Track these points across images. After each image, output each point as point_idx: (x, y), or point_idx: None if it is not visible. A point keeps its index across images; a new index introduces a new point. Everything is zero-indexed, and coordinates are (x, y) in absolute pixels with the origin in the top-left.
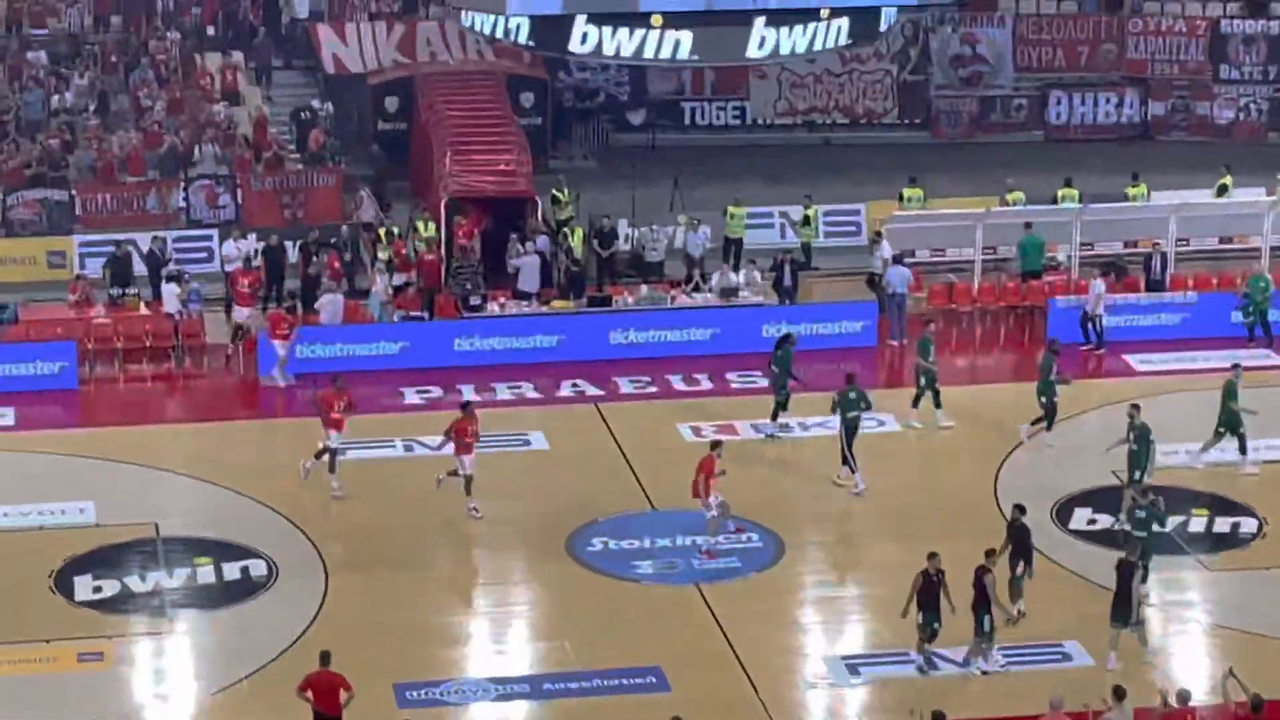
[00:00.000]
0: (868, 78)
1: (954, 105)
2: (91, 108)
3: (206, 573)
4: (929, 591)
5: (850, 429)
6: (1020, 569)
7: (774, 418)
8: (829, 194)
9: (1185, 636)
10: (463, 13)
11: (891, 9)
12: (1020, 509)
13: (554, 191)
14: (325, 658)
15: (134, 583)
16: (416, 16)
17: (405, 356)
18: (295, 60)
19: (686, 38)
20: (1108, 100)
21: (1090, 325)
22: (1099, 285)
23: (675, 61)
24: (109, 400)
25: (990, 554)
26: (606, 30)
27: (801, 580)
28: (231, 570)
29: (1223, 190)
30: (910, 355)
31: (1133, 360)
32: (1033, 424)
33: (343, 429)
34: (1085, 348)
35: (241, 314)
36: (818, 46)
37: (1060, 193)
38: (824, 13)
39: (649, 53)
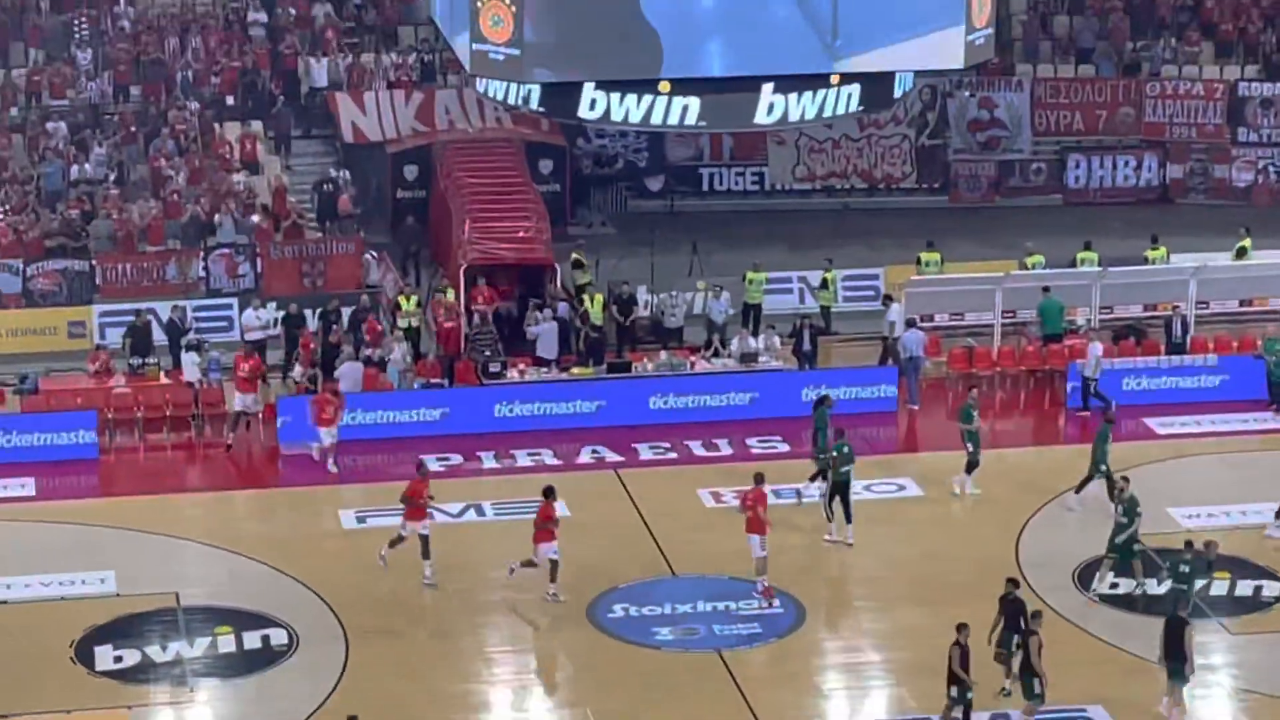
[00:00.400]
0: (886, 143)
1: (972, 169)
2: (111, 178)
3: (227, 642)
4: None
5: (844, 484)
6: (1013, 643)
7: (815, 478)
8: (848, 259)
9: (1209, 700)
10: (478, 79)
11: (907, 75)
12: (1013, 583)
13: (575, 256)
14: None
15: (155, 652)
16: (435, 85)
17: (445, 423)
18: (314, 129)
19: (694, 104)
20: (1126, 163)
21: (1089, 388)
22: (1097, 348)
23: (683, 127)
24: (129, 469)
25: (1036, 616)
26: (615, 96)
27: (823, 645)
28: (252, 639)
29: (1242, 253)
30: (931, 418)
31: (1153, 424)
32: (1078, 490)
33: (425, 518)
34: (1084, 413)
35: (243, 401)
36: (828, 113)
37: (1079, 256)
38: (834, 79)
39: (657, 119)
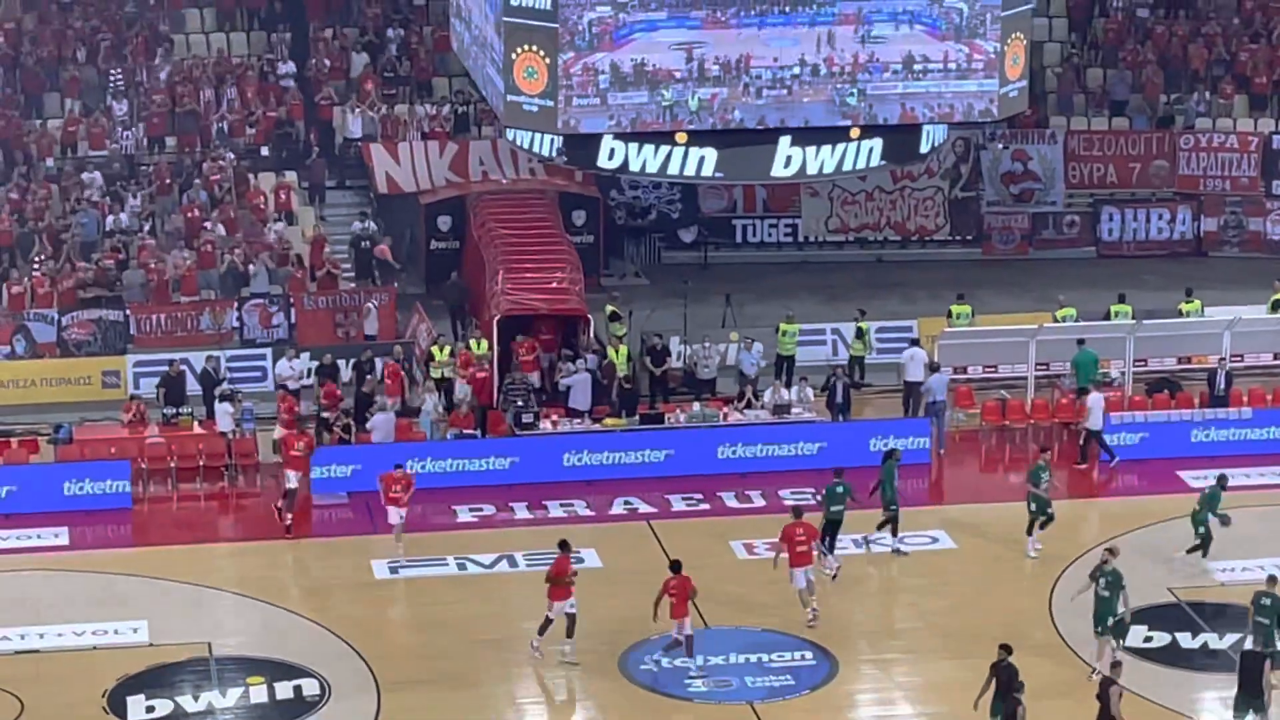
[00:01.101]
0: (919, 195)
1: (1006, 221)
2: (146, 228)
3: (259, 692)
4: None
5: (834, 524)
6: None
7: (883, 527)
8: (881, 310)
9: None
10: (603, 150)
11: (938, 128)
12: (1006, 649)
13: (611, 308)
14: None
15: (187, 702)
16: (468, 136)
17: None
18: (349, 180)
19: (711, 155)
20: (1160, 216)
21: (1093, 441)
22: (1098, 399)
23: (700, 179)
24: (162, 519)
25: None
26: (633, 147)
27: (856, 698)
28: (284, 689)
29: (1276, 305)
30: (964, 469)
31: (1186, 476)
32: (1189, 551)
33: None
34: (1081, 465)
35: (292, 479)
36: (847, 167)
37: (1113, 308)
38: (854, 133)
39: (674, 169)
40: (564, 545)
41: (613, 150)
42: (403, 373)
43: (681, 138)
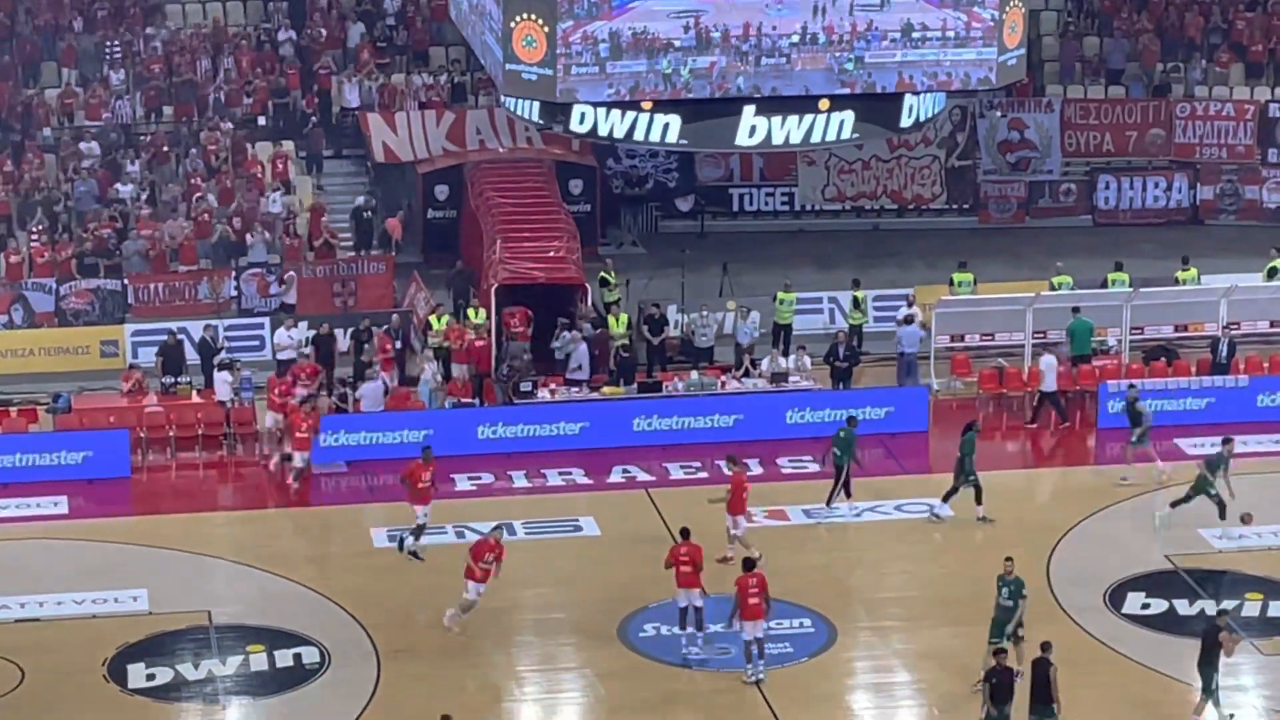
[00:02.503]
0: (916, 163)
1: (1002, 190)
2: (143, 197)
3: (259, 660)
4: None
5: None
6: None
7: (948, 497)
8: (877, 279)
9: None
10: (574, 116)
11: (925, 101)
12: (1002, 652)
13: (602, 274)
14: None
15: (187, 670)
16: (465, 105)
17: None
18: (345, 149)
19: (675, 122)
20: (1156, 184)
21: (1046, 404)
22: (1051, 361)
23: (664, 145)
24: (161, 488)
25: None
26: (601, 112)
27: (854, 665)
28: (284, 658)
29: (1273, 273)
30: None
31: (1184, 444)
32: (1220, 518)
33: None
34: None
35: (299, 459)
36: (816, 139)
37: (1110, 276)
38: (823, 104)
39: (640, 135)
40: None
41: (583, 114)
42: (391, 344)
43: (647, 104)
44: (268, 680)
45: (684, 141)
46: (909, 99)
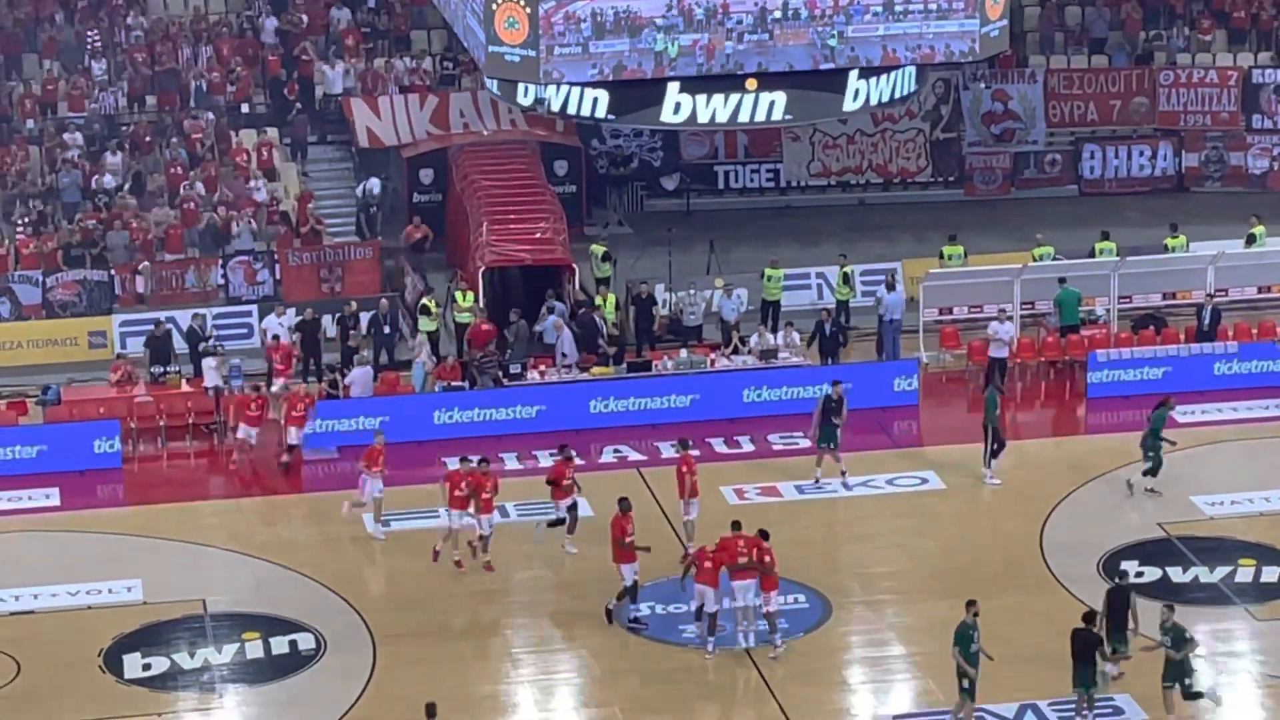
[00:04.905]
0: (900, 137)
1: (987, 162)
2: (127, 187)
3: (255, 647)
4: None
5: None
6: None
7: (1147, 474)
8: (864, 254)
9: (1235, 686)
10: (519, 88)
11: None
12: (1088, 618)
13: (603, 248)
14: (431, 710)
15: (183, 659)
16: (449, 89)
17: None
18: (330, 135)
19: (604, 97)
20: (1141, 153)
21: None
22: (1007, 328)
23: (593, 119)
24: (153, 478)
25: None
26: (701, 98)
27: (849, 640)
28: (280, 644)
29: (1251, 240)
30: (941, 407)
31: (1174, 412)
32: (1144, 474)
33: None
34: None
35: (294, 435)
36: (744, 118)
37: (1098, 246)
38: (750, 84)
39: (572, 108)
40: (623, 503)
41: (678, 104)
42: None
43: (751, 84)
44: (264, 667)
45: (611, 116)
46: (854, 82)
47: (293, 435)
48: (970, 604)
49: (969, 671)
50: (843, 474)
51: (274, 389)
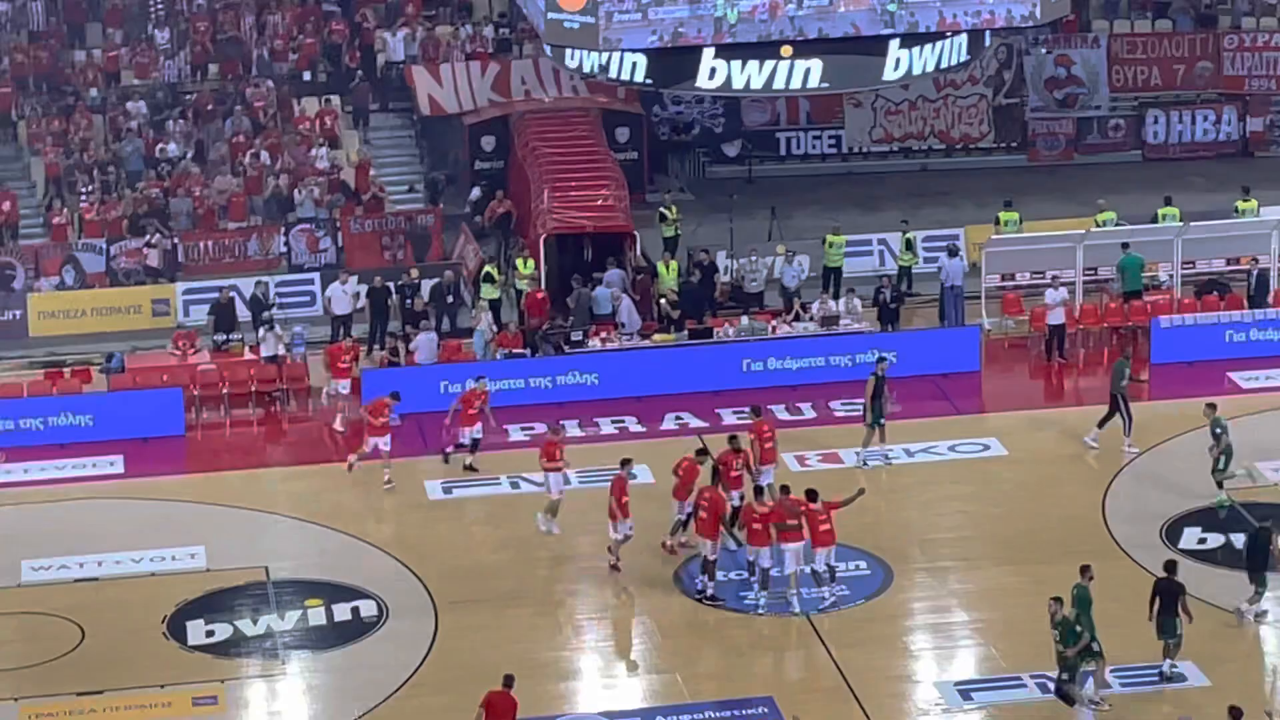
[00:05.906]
0: (963, 103)
1: (1050, 127)
2: (190, 156)
3: (317, 614)
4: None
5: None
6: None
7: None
8: (927, 219)
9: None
10: (566, 53)
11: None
12: (1170, 566)
13: (661, 209)
14: (509, 680)
15: (246, 626)
16: (510, 56)
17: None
18: (392, 103)
19: (642, 61)
20: (1205, 118)
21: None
22: (1051, 295)
23: (633, 83)
24: (216, 445)
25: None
26: (735, 64)
27: (911, 606)
28: (342, 611)
29: None
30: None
31: (1238, 378)
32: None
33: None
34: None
35: (340, 387)
36: (779, 85)
37: (1161, 211)
38: (785, 51)
39: (613, 73)
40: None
41: (713, 69)
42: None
43: (787, 51)
44: (326, 634)
45: (649, 81)
46: (895, 51)
47: (339, 387)
48: (1084, 569)
49: (1087, 638)
50: (886, 457)
51: (370, 447)
